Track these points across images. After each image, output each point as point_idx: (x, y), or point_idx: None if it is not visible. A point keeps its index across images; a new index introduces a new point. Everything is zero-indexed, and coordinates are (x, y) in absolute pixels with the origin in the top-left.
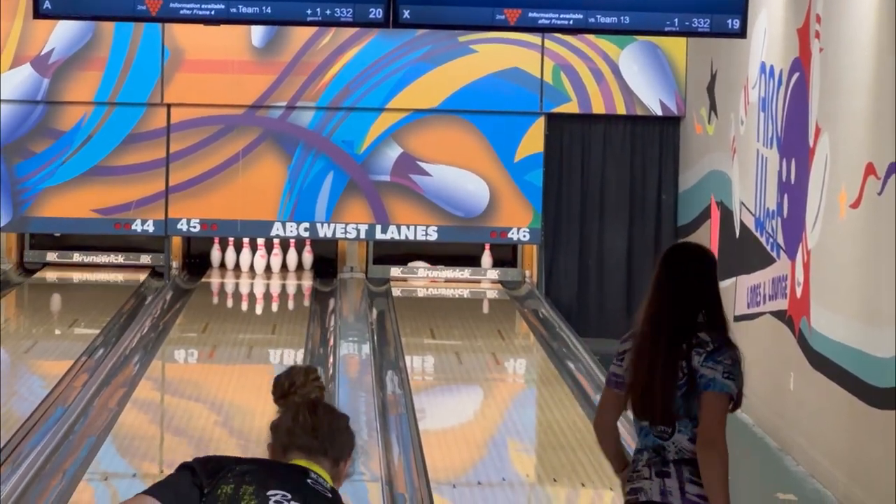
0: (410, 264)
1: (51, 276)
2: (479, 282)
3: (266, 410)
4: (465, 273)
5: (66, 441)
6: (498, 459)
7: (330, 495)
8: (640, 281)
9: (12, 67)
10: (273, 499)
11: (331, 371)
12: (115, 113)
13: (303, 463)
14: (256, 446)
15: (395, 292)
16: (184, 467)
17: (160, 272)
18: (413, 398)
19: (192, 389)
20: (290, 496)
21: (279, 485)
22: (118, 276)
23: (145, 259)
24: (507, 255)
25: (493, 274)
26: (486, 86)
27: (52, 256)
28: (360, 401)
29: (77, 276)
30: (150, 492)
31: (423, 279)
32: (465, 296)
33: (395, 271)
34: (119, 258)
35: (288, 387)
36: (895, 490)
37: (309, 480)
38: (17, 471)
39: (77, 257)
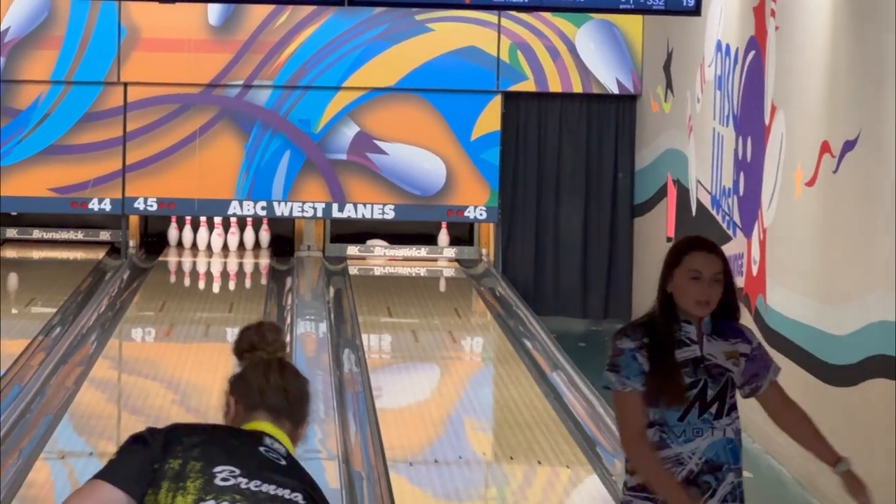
0: (368, 243)
1: (9, 253)
2: (435, 260)
3: (223, 388)
4: (422, 251)
5: (22, 420)
6: (454, 437)
7: (284, 462)
8: (596, 259)
9: None
10: (220, 476)
11: (287, 349)
12: (71, 92)
13: (264, 425)
14: None
15: (353, 271)
16: (135, 439)
17: (118, 249)
18: (370, 376)
19: (149, 368)
20: (237, 471)
21: (227, 459)
22: (77, 254)
23: (105, 235)
24: (463, 234)
25: (450, 252)
26: (442, 64)
27: (11, 233)
28: (316, 379)
29: (36, 253)
30: (101, 475)
31: (380, 258)
32: (422, 274)
33: (353, 250)
34: (79, 234)
35: (257, 341)
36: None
37: (262, 448)
38: None
39: (37, 234)
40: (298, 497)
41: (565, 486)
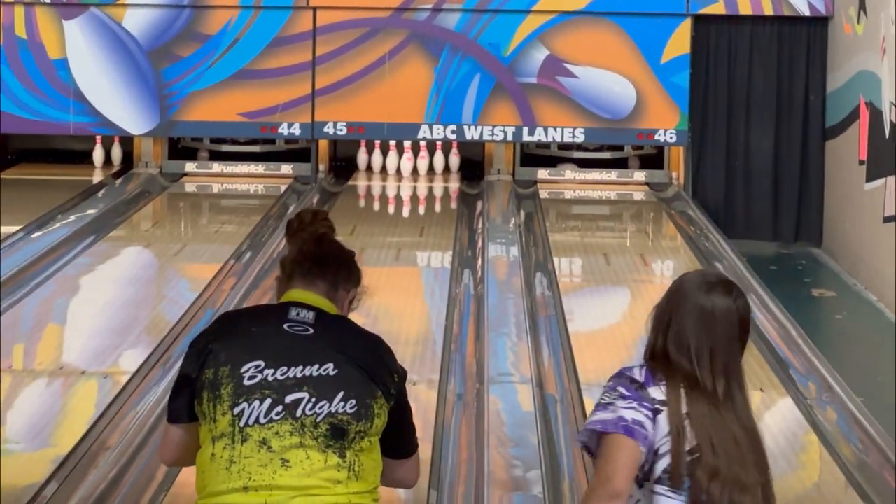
0: (558, 166)
1: (189, 187)
2: (626, 184)
3: (415, 312)
4: (612, 175)
5: None
6: None
7: (311, 331)
8: (787, 182)
9: None
10: (246, 376)
11: (479, 273)
12: (260, 16)
13: (294, 293)
14: (405, 348)
15: (543, 194)
16: (180, 374)
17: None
18: (562, 300)
19: None
20: (262, 364)
21: (252, 354)
22: (259, 185)
23: (287, 169)
24: (654, 157)
25: (640, 176)
26: None
27: (190, 167)
28: (508, 303)
29: (217, 186)
30: (167, 418)
31: (570, 181)
32: (613, 198)
33: (543, 173)
34: (259, 168)
35: (297, 225)
36: None
37: (287, 325)
38: (168, 374)
39: (216, 167)
40: (329, 368)
41: (758, 408)
